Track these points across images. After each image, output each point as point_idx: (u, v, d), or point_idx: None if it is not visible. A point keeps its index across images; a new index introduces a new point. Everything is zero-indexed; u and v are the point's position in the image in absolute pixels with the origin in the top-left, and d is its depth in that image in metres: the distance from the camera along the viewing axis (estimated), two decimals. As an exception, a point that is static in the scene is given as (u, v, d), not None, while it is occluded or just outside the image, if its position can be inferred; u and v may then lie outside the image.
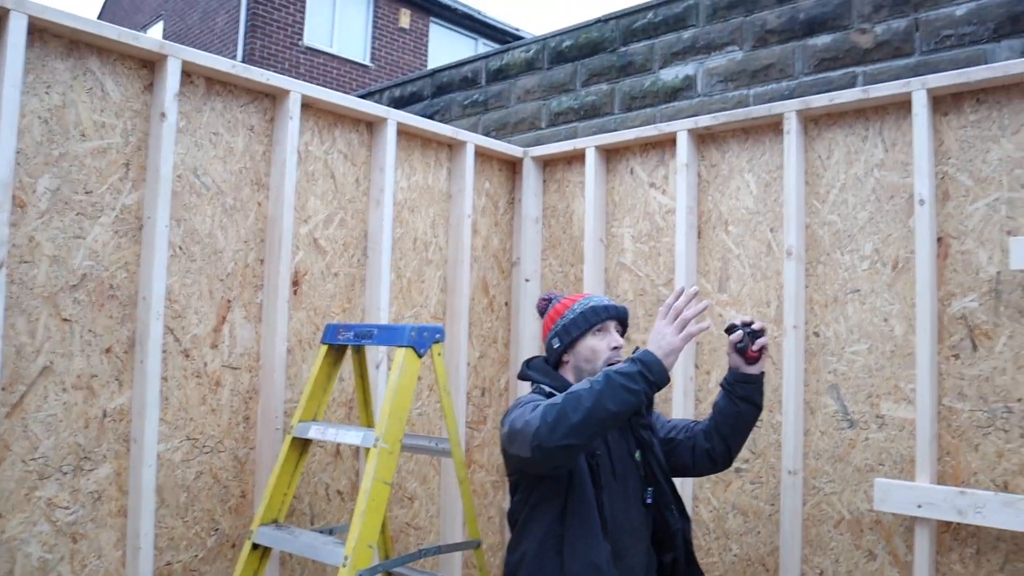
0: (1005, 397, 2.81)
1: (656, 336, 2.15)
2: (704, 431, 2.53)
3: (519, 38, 17.74)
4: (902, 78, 3.80)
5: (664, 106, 4.79)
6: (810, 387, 3.22)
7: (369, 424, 3.15)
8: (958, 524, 2.83)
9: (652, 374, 2.07)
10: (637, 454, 2.41)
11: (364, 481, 2.61)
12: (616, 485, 2.33)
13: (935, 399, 2.92)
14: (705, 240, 3.57)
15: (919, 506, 2.86)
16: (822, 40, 4.16)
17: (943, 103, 3.03)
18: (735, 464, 3.32)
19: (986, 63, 3.62)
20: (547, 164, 4.22)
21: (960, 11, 3.70)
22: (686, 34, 4.74)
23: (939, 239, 2.98)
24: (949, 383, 2.93)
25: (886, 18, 3.94)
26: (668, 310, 2.18)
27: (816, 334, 3.23)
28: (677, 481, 2.60)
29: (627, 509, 2.34)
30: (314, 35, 15.39)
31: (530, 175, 4.19)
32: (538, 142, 5.39)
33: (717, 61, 4.59)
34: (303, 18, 15.19)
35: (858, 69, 3.99)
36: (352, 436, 2.77)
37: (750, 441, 3.30)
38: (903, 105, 3.08)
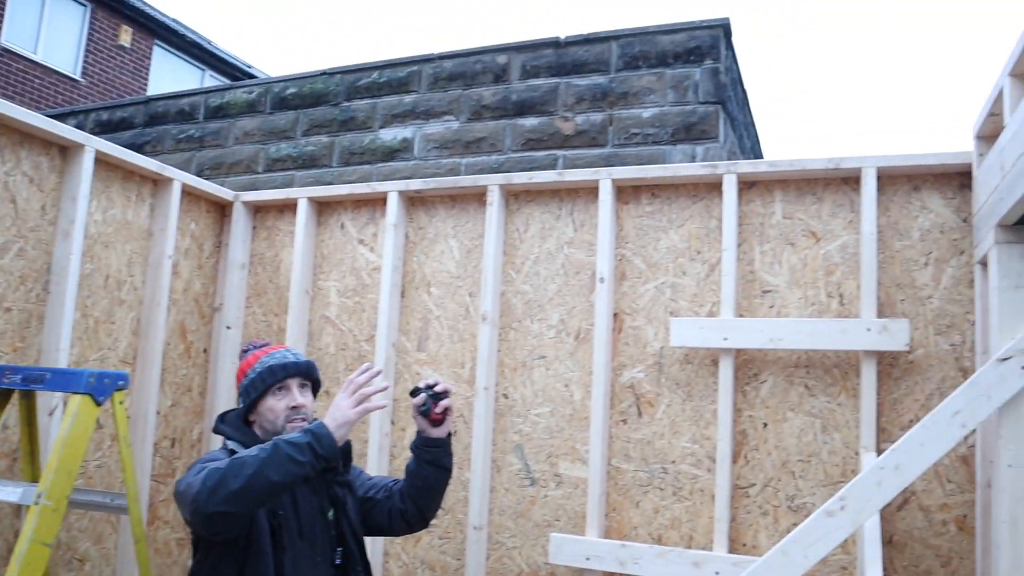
0: (662, 459, 3.14)
1: (333, 408, 2.14)
2: (400, 492, 2.53)
3: (251, 75, 17.21)
4: (596, 165, 4.21)
5: (381, 165, 4.89)
6: (497, 446, 3.39)
7: (34, 478, 2.83)
8: (620, 574, 3.09)
9: (321, 446, 2.04)
10: (330, 513, 2.35)
11: (19, 543, 2.33)
12: (303, 545, 2.27)
13: (605, 460, 3.19)
14: (408, 299, 3.67)
15: (587, 558, 3.09)
16: (530, 122, 4.50)
17: (625, 193, 3.39)
18: (424, 521, 3.39)
19: (664, 162, 4.13)
20: (258, 210, 4.12)
21: (646, 114, 4.20)
22: (408, 98, 4.91)
23: (615, 314, 3.31)
24: (618, 445, 3.22)
25: (586, 110, 4.36)
26: (349, 384, 2.20)
27: (505, 396, 3.41)
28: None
29: (314, 569, 2.28)
30: (15, 35, 13.81)
31: (240, 220, 4.07)
32: (253, 186, 5.25)
33: (435, 128, 4.79)
34: (1, 13, 13.60)
35: (559, 152, 4.36)
36: (9, 492, 2.47)
37: (439, 498, 3.39)
38: (592, 191, 3.40)
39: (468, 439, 3.40)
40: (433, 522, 3.42)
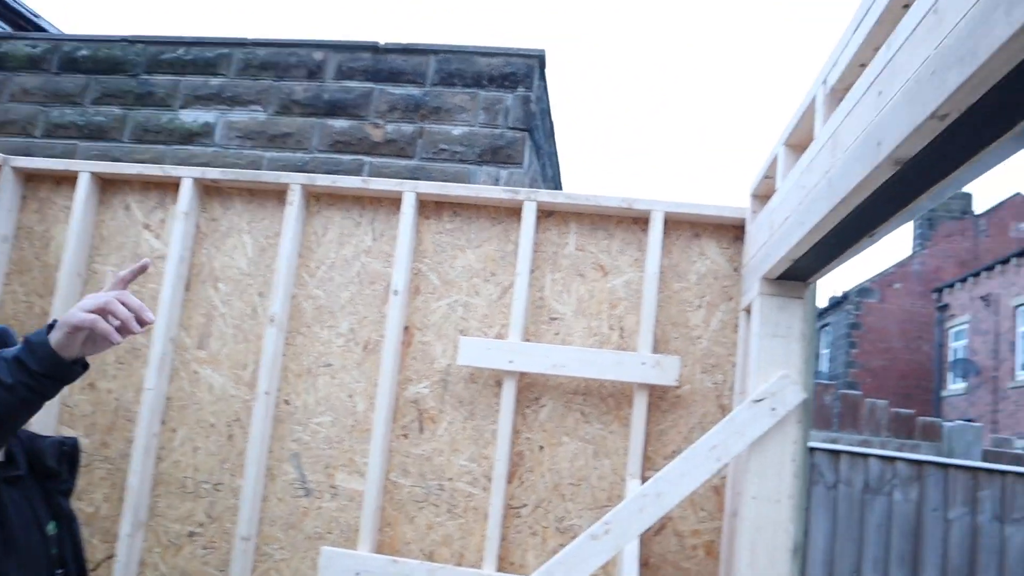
0: (440, 476, 3.16)
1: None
2: None
3: (38, 27, 15.69)
4: (403, 176, 4.19)
5: (178, 147, 4.61)
6: (274, 453, 3.27)
7: None
8: (385, 591, 3.07)
9: (35, 359, 1.60)
10: (50, 526, 1.96)
11: None
12: (10, 565, 1.90)
13: (383, 473, 3.17)
14: (193, 293, 3.47)
15: (357, 574, 3.05)
16: (340, 124, 4.41)
17: (428, 208, 3.39)
18: (188, 528, 3.21)
19: (469, 181, 4.18)
20: (31, 178, 3.75)
21: (456, 131, 4.24)
22: (214, 81, 4.66)
23: (406, 328, 3.30)
24: (397, 460, 3.21)
25: (398, 120, 4.33)
26: (116, 280, 1.78)
27: (287, 402, 3.30)
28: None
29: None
30: None
31: (7, 187, 3.68)
32: (27, 151, 4.77)
33: (240, 116, 4.58)
34: None
35: (366, 158, 4.30)
36: None
37: (206, 505, 3.23)
38: (395, 202, 3.38)
39: (243, 445, 3.26)
40: (197, 530, 3.26)
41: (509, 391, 3.16)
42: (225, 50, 4.61)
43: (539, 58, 4.19)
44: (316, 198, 3.47)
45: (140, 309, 1.70)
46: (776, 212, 2.68)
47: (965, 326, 21.88)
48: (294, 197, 3.38)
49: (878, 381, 23.46)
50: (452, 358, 3.25)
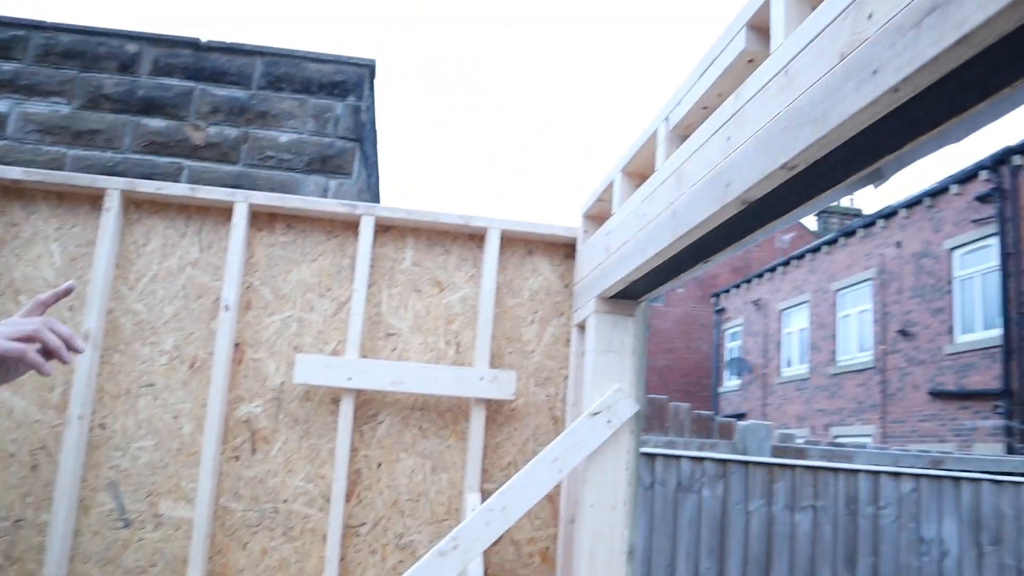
0: (275, 498, 3.06)
1: None
2: None
3: None
4: (226, 182, 4.00)
5: (-40, 140, 4.13)
6: (88, 483, 3.02)
7: None
8: (214, 621, 2.93)
9: None
10: None
11: None
12: None
13: (214, 499, 3.02)
14: (-11, 308, 3.13)
15: (180, 605, 2.88)
16: (157, 123, 4.14)
17: (260, 219, 3.27)
18: (-18, 570, 2.91)
19: (297, 191, 4.07)
20: None
21: (284, 138, 4.10)
22: (7, 66, 4.22)
23: (237, 345, 3.16)
24: (228, 483, 3.06)
25: (221, 122, 4.13)
26: (32, 305, 1.62)
27: (102, 426, 3.07)
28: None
29: None
30: None
31: None
32: None
33: (39, 108, 4.18)
34: None
35: (185, 162, 4.06)
36: None
37: (5, 545, 2.93)
38: (226, 212, 3.23)
39: (51, 475, 2.99)
40: (-3, 572, 2.95)
41: (347, 408, 3.12)
42: (21, 32, 4.18)
43: (370, 67, 4.15)
44: (136, 205, 3.24)
45: (70, 337, 1.56)
46: (613, 235, 2.83)
47: (739, 328, 23.89)
48: (112, 203, 3.15)
49: (663, 379, 25.12)
50: (286, 376, 3.16)
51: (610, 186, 2.99)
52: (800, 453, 5.10)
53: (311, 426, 3.15)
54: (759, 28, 1.86)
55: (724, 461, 4.08)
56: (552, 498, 3.23)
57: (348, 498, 3.11)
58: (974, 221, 14.09)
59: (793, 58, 1.59)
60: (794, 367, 20.53)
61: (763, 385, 21.66)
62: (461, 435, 3.24)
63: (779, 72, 1.64)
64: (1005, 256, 13.09)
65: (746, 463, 4.12)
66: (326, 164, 4.07)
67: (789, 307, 20.95)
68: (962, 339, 14.28)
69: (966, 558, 4.35)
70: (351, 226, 3.33)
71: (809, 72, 1.52)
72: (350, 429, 3.11)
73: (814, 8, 1.66)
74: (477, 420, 3.19)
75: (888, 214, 16.72)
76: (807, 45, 1.53)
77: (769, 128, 1.67)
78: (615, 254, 2.77)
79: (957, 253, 14.72)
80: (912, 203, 15.87)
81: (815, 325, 19.43)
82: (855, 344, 17.88)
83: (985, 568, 4.40)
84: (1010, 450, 12.09)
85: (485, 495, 3.15)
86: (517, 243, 3.45)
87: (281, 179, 4.05)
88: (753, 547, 3.98)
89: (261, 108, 4.11)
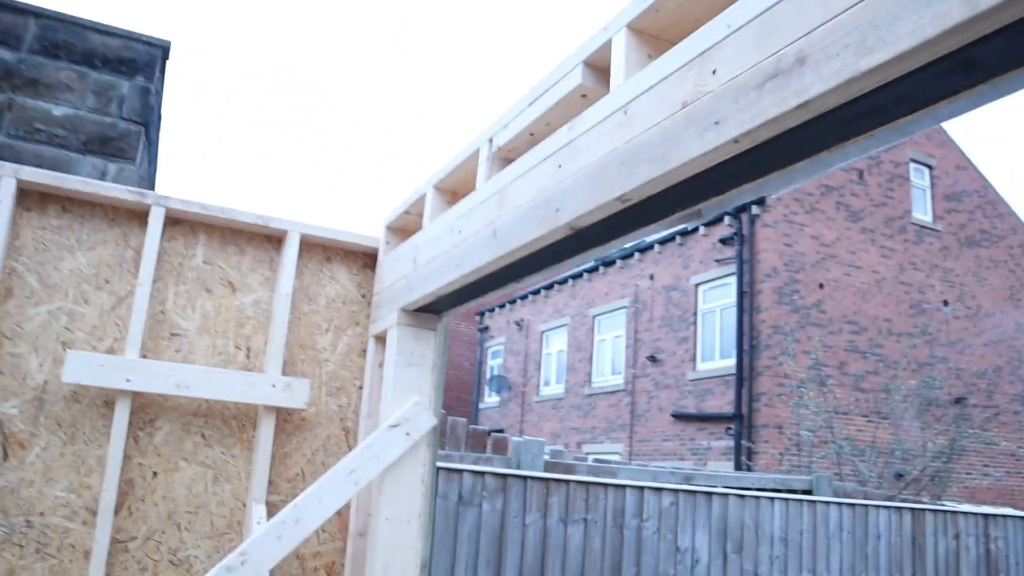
0: (28, 511, 2.74)
1: None
2: None
3: None
4: (-17, 154, 3.57)
5: None
6: None
7: None
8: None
9: None
10: None
11: None
12: None
13: (-50, 510, 2.65)
14: None
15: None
16: (-103, 78, 3.59)
17: (30, 198, 2.95)
18: None
19: (71, 170, 3.69)
20: None
21: (59, 112, 3.71)
22: None
23: (-5, 337, 2.81)
24: (-30, 493, 2.71)
25: (-20, 86, 3.66)
26: None
27: None
28: None
29: None
30: None
31: None
32: None
33: None
34: None
35: (-65, 126, 3.55)
36: None
37: None
38: (-12, 188, 2.87)
39: None
40: None
41: (122, 412, 2.87)
42: None
43: (164, 48, 3.86)
44: None
45: None
46: (422, 249, 2.84)
47: (501, 346, 24.64)
48: None
49: (427, 393, 25.23)
50: (52, 373, 2.85)
51: (421, 199, 3.00)
52: (570, 468, 5.35)
53: (78, 431, 2.86)
54: (596, 67, 1.96)
55: (504, 476, 4.20)
56: (340, 512, 3.15)
57: (117, 510, 2.85)
58: (717, 260, 15.55)
59: (633, 99, 1.69)
60: (552, 386, 21.50)
61: (522, 403, 22.45)
62: (247, 444, 3.09)
63: (618, 110, 1.74)
64: (741, 294, 14.57)
65: (525, 478, 4.26)
66: (106, 146, 3.73)
67: (550, 329, 21.93)
68: (703, 367, 15.67)
69: (714, 565, 4.78)
70: (137, 215, 3.08)
71: (649, 114, 1.63)
72: (124, 435, 2.86)
73: (652, 57, 1.79)
74: (266, 429, 3.05)
75: (644, 248, 18.05)
76: (649, 89, 1.64)
77: (605, 161, 1.76)
78: (424, 268, 2.78)
79: (702, 288, 16.16)
80: (665, 240, 17.24)
81: (573, 347, 20.48)
82: (609, 367, 19.05)
83: (729, 573, 4.86)
84: (738, 467, 13.41)
85: (270, 507, 3.02)
86: (316, 249, 3.36)
87: (52, 156, 3.65)
88: (528, 559, 4.12)
89: (32, 75, 3.68)
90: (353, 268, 3.42)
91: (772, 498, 5.14)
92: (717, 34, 1.47)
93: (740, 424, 13.96)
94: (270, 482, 3.07)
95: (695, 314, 16.17)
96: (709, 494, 4.83)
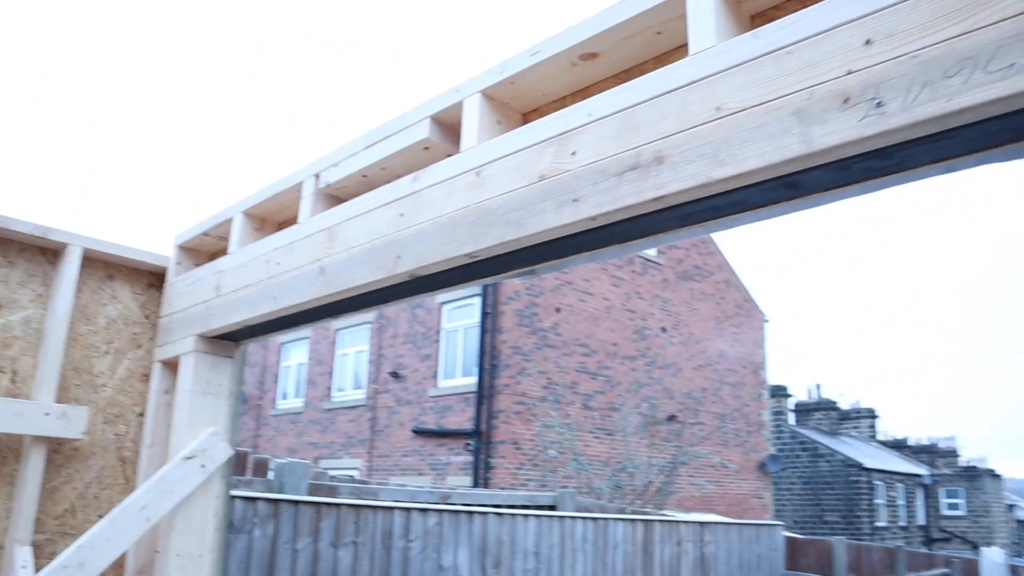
0: None
1: None
2: None
3: None
4: None
5: None
6: None
7: None
8: None
9: None
10: None
11: None
12: None
13: None
14: None
15: None
16: None
17: None
18: None
19: None
20: None
21: None
22: None
23: None
24: None
25: None
26: None
27: None
28: None
29: None
30: None
31: None
32: None
33: None
34: None
35: None
36: None
37: None
38: None
39: None
40: None
41: None
42: None
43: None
44: None
45: None
46: (228, 275, 2.78)
47: (236, 356, 23.60)
48: None
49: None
50: None
51: (227, 223, 2.94)
52: (333, 490, 5.35)
53: None
54: (444, 123, 2.09)
55: (276, 501, 4.13)
56: (116, 547, 2.97)
57: None
58: (463, 280, 16.18)
59: (487, 163, 1.84)
60: (290, 400, 20.94)
61: (257, 416, 21.62)
62: (8, 479, 2.82)
63: (469, 171, 1.89)
64: (484, 315, 15.20)
65: (296, 503, 4.21)
66: None
67: (290, 341, 21.38)
68: (444, 384, 16.10)
69: (476, 581, 5.01)
70: None
71: (505, 181, 1.79)
72: None
73: (501, 123, 1.96)
74: (35, 462, 2.81)
75: (392, 264, 18.24)
76: (505, 157, 1.80)
77: (455, 218, 1.89)
78: (230, 295, 2.73)
79: (446, 307, 16.62)
80: (414, 257, 17.60)
81: (314, 361, 20.10)
82: (350, 382, 18.93)
83: (489, 589, 5.12)
84: (476, 481, 13.93)
85: (35, 548, 2.78)
86: (97, 264, 3.15)
87: None
88: (298, 585, 4.08)
89: None
90: (137, 287, 3.24)
91: (526, 515, 5.49)
92: (577, 120, 1.66)
93: (478, 440, 14.50)
94: (36, 520, 2.82)
95: (439, 332, 16.57)
96: (471, 513, 5.06)
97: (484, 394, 14.82)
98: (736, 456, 18.67)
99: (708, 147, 1.40)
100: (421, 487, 6.16)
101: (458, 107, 2.01)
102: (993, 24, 1.11)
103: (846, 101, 1.23)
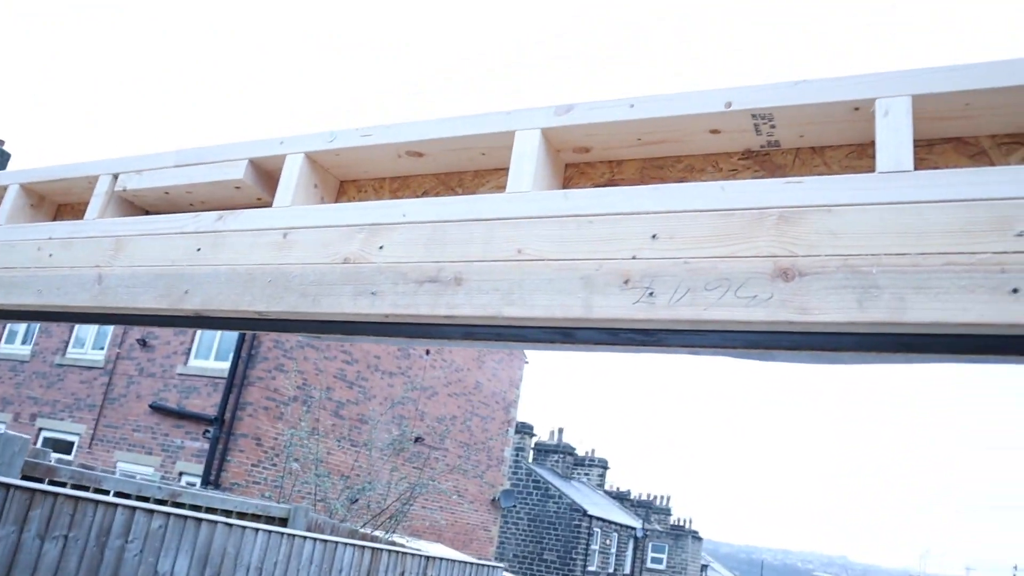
0: None
1: None
2: None
3: None
4: None
5: None
6: None
7: None
8: None
9: None
10: None
11: None
12: None
13: None
14: None
15: None
16: None
17: None
18: None
19: None
20: None
21: None
22: None
23: None
24: None
25: None
26: None
27: None
28: None
29: None
30: None
31: None
32: None
33: None
34: None
35: None
36: None
37: None
38: None
39: None
40: None
41: None
42: None
43: None
44: None
45: None
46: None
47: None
48: None
49: None
50: None
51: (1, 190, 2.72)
52: (52, 471, 4.98)
53: None
54: (262, 170, 2.10)
55: (-20, 482, 3.79)
56: None
57: None
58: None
59: (297, 229, 1.88)
60: (16, 345, 19.03)
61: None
62: None
63: (277, 230, 1.92)
64: (255, 301, 14.78)
65: (8, 486, 3.89)
66: None
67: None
68: (195, 363, 15.32)
69: (191, 594, 4.82)
70: None
71: (310, 252, 1.83)
72: None
73: (318, 187, 2.01)
74: None
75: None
76: (316, 228, 1.85)
77: (252, 272, 1.90)
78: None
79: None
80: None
81: (55, 309, 18.47)
82: (92, 340, 17.54)
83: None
84: (208, 470, 13.31)
85: None
86: None
87: None
88: (-10, 576, 3.75)
89: None
90: None
91: (256, 528, 5.37)
92: (392, 216, 1.75)
93: (220, 429, 13.94)
94: None
95: (203, 309, 15.82)
96: (199, 520, 4.89)
97: (235, 383, 14.29)
98: (472, 487, 19.24)
99: (504, 284, 1.54)
100: (151, 480, 5.86)
101: (280, 159, 2.03)
102: (747, 257, 1.34)
103: (626, 282, 1.42)
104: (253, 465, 13.84)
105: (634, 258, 1.43)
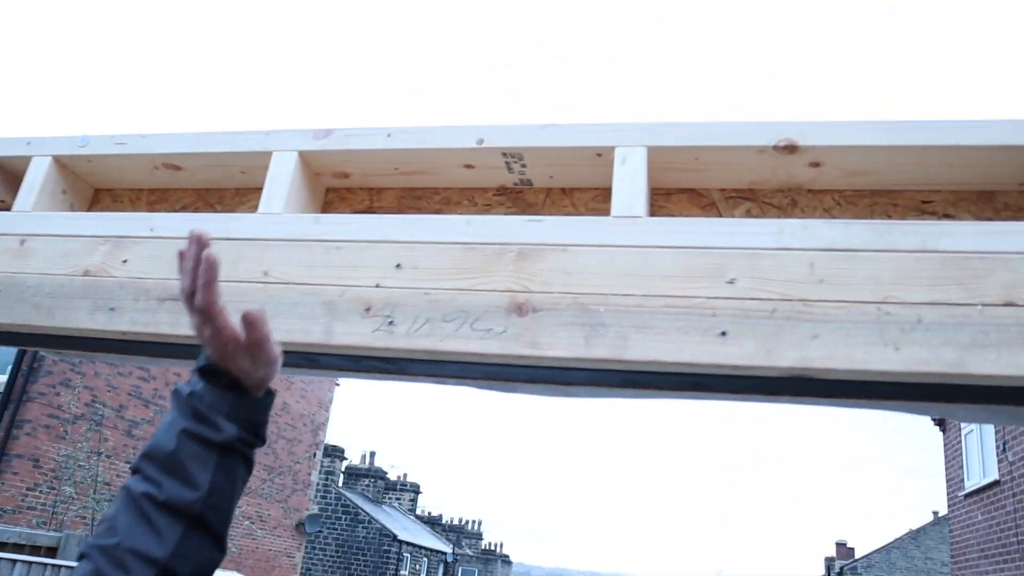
0: None
1: None
2: None
3: None
4: None
5: None
6: None
7: None
8: None
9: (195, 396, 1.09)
10: None
11: None
12: None
13: None
14: None
15: None
16: None
17: None
18: None
19: None
20: None
21: None
22: None
23: None
24: None
25: None
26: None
27: None
28: None
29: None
30: None
31: None
32: None
33: None
34: None
35: None
36: None
37: None
38: None
39: None
40: None
41: None
42: None
43: None
44: None
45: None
46: None
47: None
48: None
49: None
50: None
51: None
52: None
53: None
54: (8, 171, 1.93)
55: None
56: None
57: None
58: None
59: (36, 235, 1.75)
60: None
61: None
62: None
63: (15, 236, 1.77)
64: (41, 310, 13.65)
65: None
66: None
67: None
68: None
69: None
70: None
71: (49, 262, 1.71)
72: None
73: (66, 192, 1.87)
74: None
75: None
76: (57, 237, 1.73)
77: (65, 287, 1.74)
78: None
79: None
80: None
81: None
82: None
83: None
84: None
85: None
86: None
87: None
88: None
89: None
90: None
91: (14, 559, 4.88)
92: (139, 229, 1.66)
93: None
94: None
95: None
96: (14, 561, 4.38)
97: (12, 398, 13.06)
98: (275, 512, 18.55)
99: (249, 306, 1.49)
100: None
101: (26, 161, 1.88)
102: (485, 291, 1.37)
103: (368, 310, 1.41)
104: (29, 489, 12.66)
105: (377, 286, 1.43)
